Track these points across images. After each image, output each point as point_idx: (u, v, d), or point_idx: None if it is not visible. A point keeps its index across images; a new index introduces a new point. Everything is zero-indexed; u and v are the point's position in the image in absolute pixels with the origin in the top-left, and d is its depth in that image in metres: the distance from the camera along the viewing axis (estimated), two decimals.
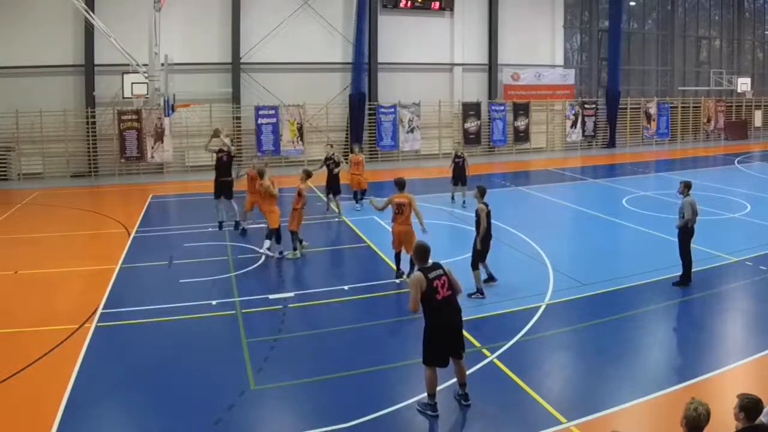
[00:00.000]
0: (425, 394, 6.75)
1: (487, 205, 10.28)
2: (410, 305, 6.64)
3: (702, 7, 36.71)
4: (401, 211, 10.95)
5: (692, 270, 10.67)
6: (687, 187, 10.72)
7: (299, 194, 12.44)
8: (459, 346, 6.73)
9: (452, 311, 6.65)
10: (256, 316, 9.61)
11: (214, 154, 14.70)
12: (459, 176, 17.49)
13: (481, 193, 10.46)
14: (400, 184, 11.24)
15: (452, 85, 29.40)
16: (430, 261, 6.76)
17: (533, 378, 7.43)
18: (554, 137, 31.76)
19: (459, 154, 17.63)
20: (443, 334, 6.59)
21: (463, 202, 17.46)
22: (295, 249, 12.56)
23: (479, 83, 29.90)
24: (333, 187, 16.67)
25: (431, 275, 6.58)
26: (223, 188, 14.51)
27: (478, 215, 10.22)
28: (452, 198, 17.98)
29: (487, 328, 8.96)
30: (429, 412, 6.68)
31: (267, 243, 12.65)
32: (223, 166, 14.54)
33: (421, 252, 6.78)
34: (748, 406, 4.49)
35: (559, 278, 11.10)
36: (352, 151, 18.70)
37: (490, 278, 10.71)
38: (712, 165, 26.90)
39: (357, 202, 17.44)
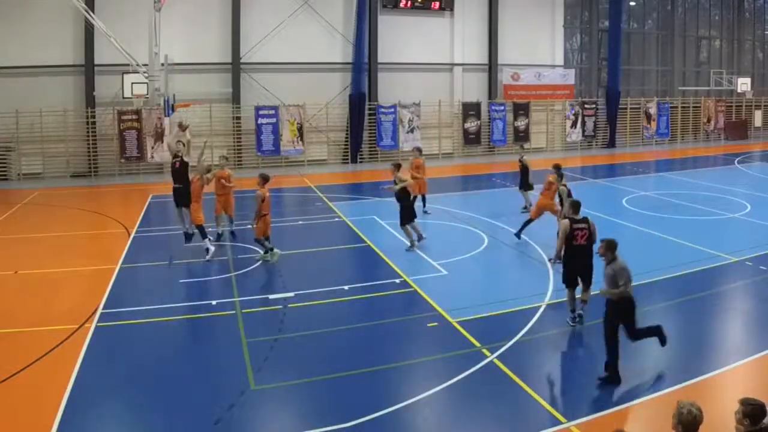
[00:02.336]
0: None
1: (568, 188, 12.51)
2: (558, 245, 8.98)
3: (702, 7, 36.70)
4: (549, 188, 13.13)
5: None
6: (610, 248, 7.79)
7: (263, 200, 11.97)
8: (586, 278, 9.05)
9: (583, 255, 8.94)
10: (256, 316, 9.61)
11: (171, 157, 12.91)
12: (521, 180, 16.72)
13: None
14: (558, 168, 13.31)
15: (452, 85, 29.40)
16: (579, 216, 8.96)
17: (533, 378, 7.43)
18: (554, 137, 31.75)
19: (520, 158, 16.93)
20: (573, 269, 8.96)
21: (524, 206, 16.42)
22: (265, 253, 12.26)
23: (479, 83, 29.90)
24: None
25: (575, 226, 8.84)
26: (176, 196, 12.89)
27: (560, 196, 12.55)
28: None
29: (487, 328, 8.95)
30: (569, 321, 9.01)
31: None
32: (176, 173, 12.74)
33: (575, 206, 9.11)
34: (754, 413, 4.41)
35: (559, 278, 11.02)
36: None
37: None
38: (712, 165, 26.91)
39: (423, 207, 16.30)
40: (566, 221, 8.94)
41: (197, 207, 12.93)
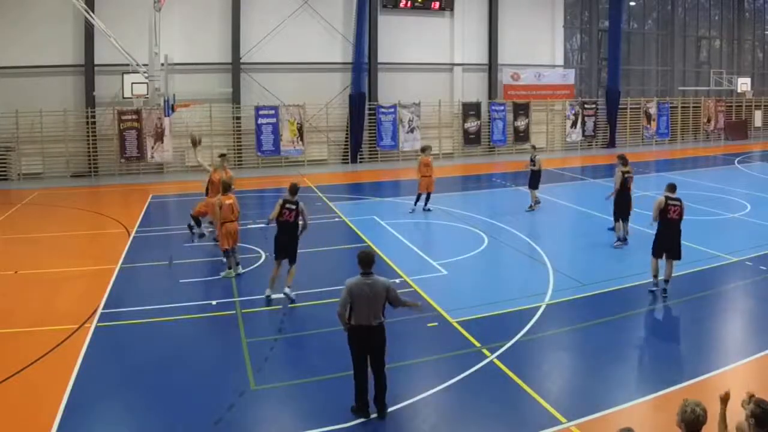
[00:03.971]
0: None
1: (623, 172, 12.61)
2: (653, 216, 10.16)
3: (702, 7, 36.70)
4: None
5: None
6: (362, 262, 6.71)
7: (220, 207, 11.17)
8: (674, 253, 10.10)
9: (673, 228, 10.08)
10: (256, 316, 9.61)
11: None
12: (531, 179, 16.88)
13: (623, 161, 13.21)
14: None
15: (452, 85, 29.39)
16: (674, 195, 10.16)
17: (533, 378, 7.42)
18: (554, 137, 31.75)
19: (532, 157, 16.95)
20: (663, 240, 10.13)
21: (530, 205, 16.83)
22: (230, 268, 11.46)
23: (479, 83, 29.89)
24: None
25: (669, 202, 10.06)
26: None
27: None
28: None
29: (487, 328, 8.96)
30: (653, 289, 10.20)
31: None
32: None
33: (671, 187, 10.25)
34: (762, 417, 4.38)
35: (559, 278, 11.10)
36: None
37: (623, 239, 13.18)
38: (712, 165, 26.90)
39: (416, 205, 16.74)
40: (661, 198, 10.13)
41: (209, 201, 12.83)
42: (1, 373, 7.59)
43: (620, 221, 13.27)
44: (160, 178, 23.74)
